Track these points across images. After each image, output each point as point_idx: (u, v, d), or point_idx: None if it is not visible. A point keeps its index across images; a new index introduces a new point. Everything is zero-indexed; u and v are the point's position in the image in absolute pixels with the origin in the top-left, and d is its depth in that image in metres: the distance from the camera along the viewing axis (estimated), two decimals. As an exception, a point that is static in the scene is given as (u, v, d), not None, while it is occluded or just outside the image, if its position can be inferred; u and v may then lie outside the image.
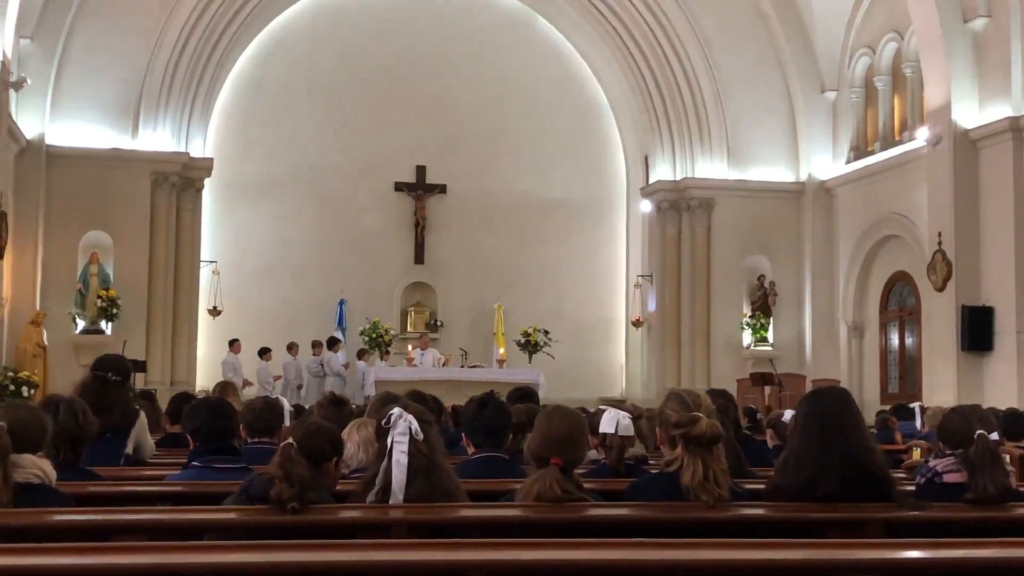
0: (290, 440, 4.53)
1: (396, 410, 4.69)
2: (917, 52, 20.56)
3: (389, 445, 4.61)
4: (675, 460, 4.63)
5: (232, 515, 4.49)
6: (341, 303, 24.17)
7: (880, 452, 4.94)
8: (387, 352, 23.29)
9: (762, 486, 5.13)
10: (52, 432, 4.92)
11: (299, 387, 22.10)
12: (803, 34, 23.91)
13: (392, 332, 23.81)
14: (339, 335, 23.22)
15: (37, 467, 4.53)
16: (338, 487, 5.32)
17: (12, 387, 18.57)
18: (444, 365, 22.19)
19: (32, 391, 18.81)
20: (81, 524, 4.43)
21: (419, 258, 25.26)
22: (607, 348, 26.22)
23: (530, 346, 24.07)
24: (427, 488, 4.62)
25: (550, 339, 23.98)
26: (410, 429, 4.62)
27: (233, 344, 21.98)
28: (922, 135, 19.99)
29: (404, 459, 4.59)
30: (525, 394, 8.14)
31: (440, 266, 25.33)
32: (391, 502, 4.56)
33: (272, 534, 4.22)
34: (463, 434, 6.18)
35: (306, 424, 4.89)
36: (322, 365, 22.31)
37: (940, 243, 19.01)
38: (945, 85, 18.87)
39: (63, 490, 4.71)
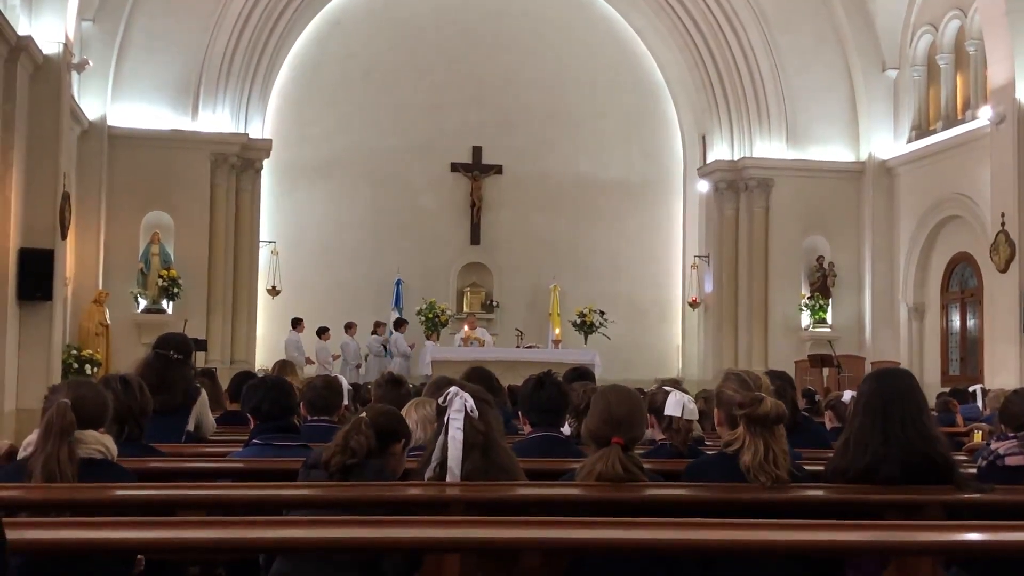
0: (364, 415, 4.64)
1: (452, 388, 4.75)
2: (980, 29, 20.21)
3: (445, 422, 4.67)
4: (736, 440, 4.60)
5: (292, 491, 4.54)
6: (398, 283, 24.26)
7: (943, 439, 4.81)
8: (436, 334, 23.23)
9: (821, 468, 5.09)
10: (114, 409, 5.01)
11: (358, 366, 22.14)
12: (863, 11, 23.58)
13: (448, 312, 23.88)
14: (395, 316, 23.26)
15: (100, 443, 4.61)
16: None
17: (76, 365, 18.87)
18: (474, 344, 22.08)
19: (95, 369, 19.11)
20: (143, 499, 4.50)
21: (475, 239, 25.28)
22: (663, 329, 26.12)
23: (586, 327, 24.03)
24: (484, 465, 4.66)
25: (606, 320, 23.91)
26: (465, 407, 4.66)
27: (298, 324, 22.08)
28: (985, 114, 19.66)
29: (459, 435, 4.63)
30: (581, 374, 8.12)
31: (496, 247, 25.35)
32: (448, 478, 4.60)
33: (333, 510, 4.26)
34: (519, 413, 6.19)
35: (378, 407, 5.00)
36: (384, 346, 22.32)
37: (1003, 224, 18.70)
38: (1009, 63, 18.52)
39: (125, 466, 4.79)
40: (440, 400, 4.77)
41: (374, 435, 4.59)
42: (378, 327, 22.56)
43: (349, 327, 22.42)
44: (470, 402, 4.68)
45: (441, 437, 4.68)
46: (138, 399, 5.49)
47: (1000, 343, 18.98)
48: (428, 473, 4.68)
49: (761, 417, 4.52)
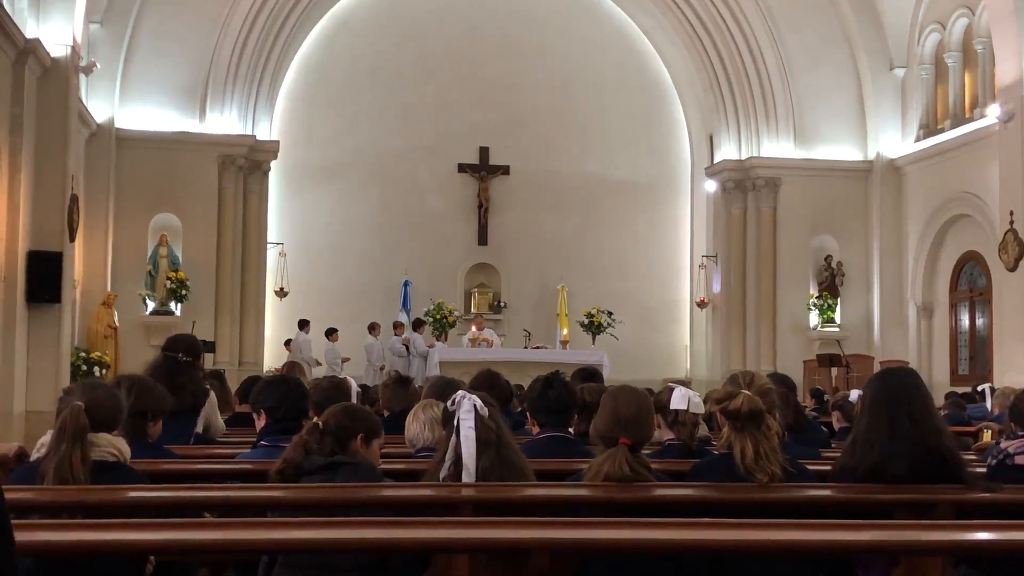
0: (314, 420, 4.74)
1: (459, 392, 4.80)
2: (988, 27, 20.16)
3: (456, 423, 4.68)
4: (727, 439, 4.65)
5: (301, 493, 4.55)
6: (406, 284, 24.26)
7: (949, 433, 4.83)
8: (443, 335, 23.16)
9: (828, 467, 5.09)
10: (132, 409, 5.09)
11: (381, 368, 22.00)
12: (871, 10, 23.54)
13: (456, 313, 23.86)
14: (403, 317, 23.21)
15: (113, 446, 4.62)
16: (408, 467, 5.40)
17: (84, 367, 18.89)
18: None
19: (104, 371, 19.13)
20: (152, 501, 4.51)
21: (482, 239, 25.29)
22: (671, 329, 26.10)
23: (593, 327, 23.98)
24: (498, 463, 4.68)
25: (614, 320, 23.88)
26: (475, 407, 4.69)
27: (332, 333, 22.01)
28: (993, 112, 19.63)
29: (472, 434, 4.65)
30: (590, 374, 8.11)
31: (504, 247, 25.35)
32: (464, 477, 4.62)
33: (340, 511, 4.27)
34: (527, 414, 6.20)
35: (333, 407, 4.98)
36: (406, 346, 22.23)
37: (1012, 222, 18.67)
38: (1017, 61, 18.49)
39: (136, 467, 4.81)
40: (448, 404, 4.78)
41: (331, 438, 4.64)
42: (398, 328, 22.45)
43: (373, 328, 22.19)
44: (479, 402, 4.71)
45: (453, 437, 4.70)
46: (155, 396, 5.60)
47: (1009, 342, 18.94)
48: (443, 473, 4.70)
49: (733, 412, 4.57)
